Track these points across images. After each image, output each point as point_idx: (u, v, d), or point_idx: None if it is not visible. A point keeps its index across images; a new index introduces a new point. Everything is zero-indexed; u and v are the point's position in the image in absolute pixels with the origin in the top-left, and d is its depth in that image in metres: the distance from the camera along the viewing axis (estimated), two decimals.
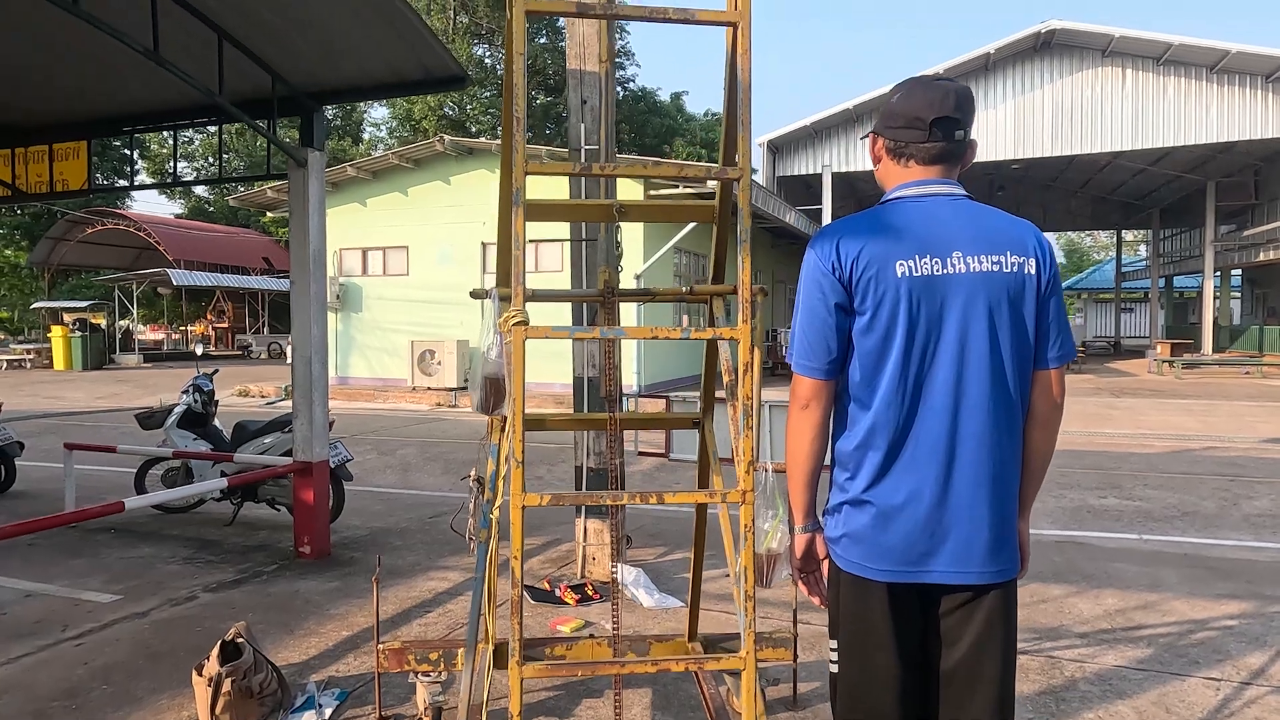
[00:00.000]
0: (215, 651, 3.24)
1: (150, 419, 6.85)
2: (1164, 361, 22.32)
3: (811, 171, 22.93)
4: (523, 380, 1.65)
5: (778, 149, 23.10)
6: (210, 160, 40.13)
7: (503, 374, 2.07)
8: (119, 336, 29.40)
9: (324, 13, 4.72)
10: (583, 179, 4.69)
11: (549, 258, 16.30)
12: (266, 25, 4.86)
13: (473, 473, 2.47)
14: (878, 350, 1.70)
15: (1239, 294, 35.47)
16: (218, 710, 3.13)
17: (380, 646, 3.23)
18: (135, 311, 30.20)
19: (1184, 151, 22.66)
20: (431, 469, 9.27)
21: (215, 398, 6.88)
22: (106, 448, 6.71)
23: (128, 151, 7.67)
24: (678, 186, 14.76)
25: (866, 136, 1.90)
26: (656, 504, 1.79)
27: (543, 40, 38.85)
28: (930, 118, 1.74)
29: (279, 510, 6.47)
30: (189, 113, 5.88)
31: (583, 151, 4.74)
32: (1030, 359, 1.73)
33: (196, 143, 40.58)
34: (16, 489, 7.71)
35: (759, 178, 22.40)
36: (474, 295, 2.30)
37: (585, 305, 4.69)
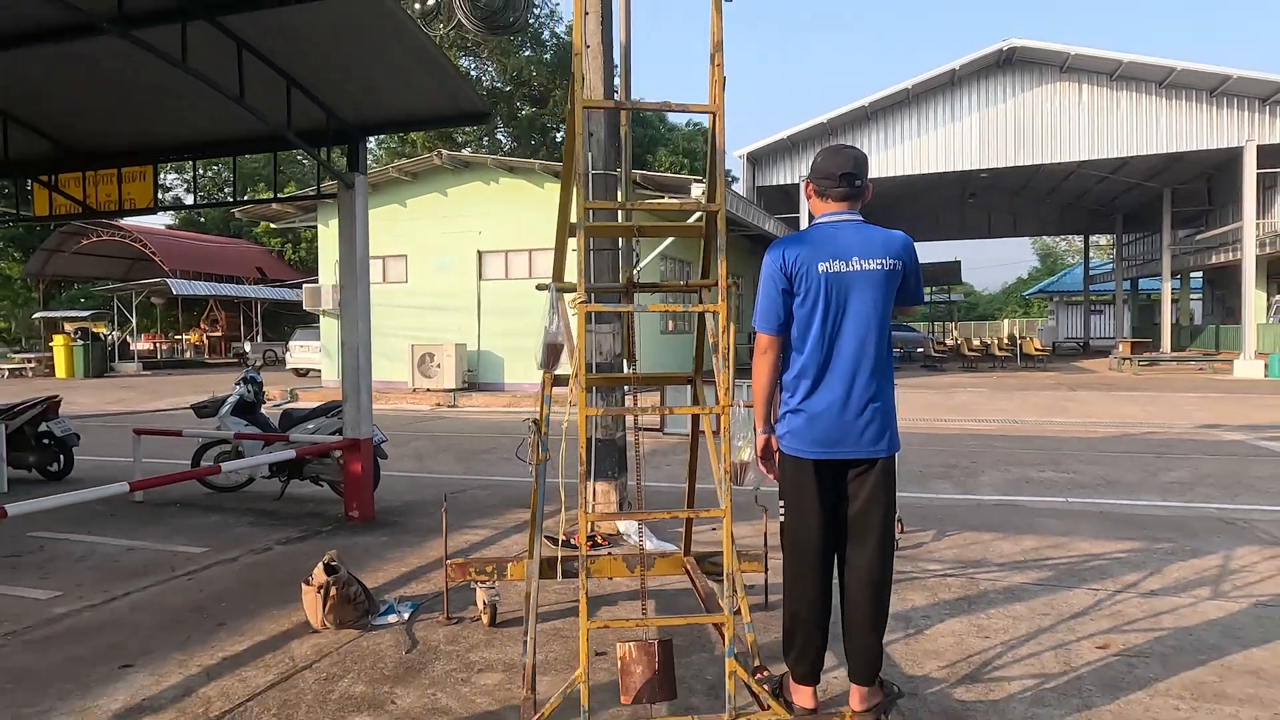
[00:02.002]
0: (319, 568, 4.19)
1: (205, 409, 7.76)
2: (1124, 359, 23.59)
3: (789, 181, 24.05)
4: (584, 339, 2.61)
5: (757, 160, 24.21)
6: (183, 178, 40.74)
7: (558, 341, 3.05)
8: (117, 345, 30.08)
9: (375, 63, 5.69)
10: (589, 198, 5.72)
11: (543, 265, 17.34)
12: (325, 72, 5.82)
13: (530, 418, 3.42)
14: (807, 318, 2.71)
15: (1200, 295, 36.95)
16: (325, 611, 4.08)
17: (448, 562, 4.20)
18: (134, 321, 30.85)
19: (1141, 161, 23.98)
20: (444, 458, 10.20)
21: (264, 389, 7.80)
22: (173, 432, 7.61)
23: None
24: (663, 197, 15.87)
25: (804, 181, 2.89)
26: (668, 413, 2.76)
27: (527, 53, 39.62)
28: (839, 173, 2.75)
29: (321, 486, 7.39)
30: (248, 142, 6.81)
31: (589, 177, 5.75)
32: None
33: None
34: (72, 477, 8.58)
35: (740, 188, 23.48)
36: (539, 288, 3.25)
37: (593, 299, 5.69)
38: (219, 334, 37.14)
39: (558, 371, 3.39)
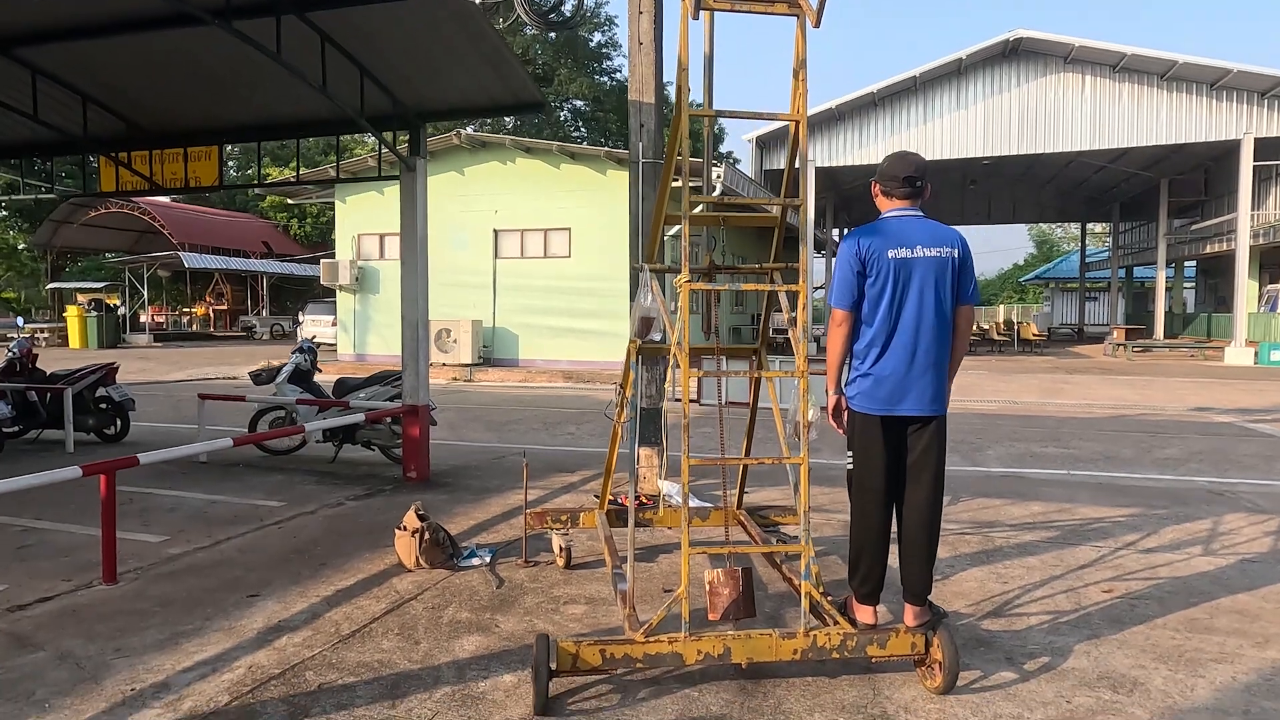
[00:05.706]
0: (411, 515, 4.69)
1: (261, 377, 8.23)
2: (1118, 345, 24.17)
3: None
4: (687, 317, 3.10)
5: (765, 144, 24.59)
6: None
7: (651, 314, 3.54)
8: (128, 317, 30.40)
9: (444, 56, 6.10)
10: (639, 184, 6.22)
11: (557, 244, 17.82)
12: (394, 63, 6.24)
13: (617, 383, 3.92)
14: (877, 297, 3.21)
15: (1193, 284, 37.55)
16: (420, 552, 4.59)
17: (527, 511, 4.70)
18: (146, 293, 31.16)
19: (1140, 151, 24.44)
20: (475, 427, 10.71)
21: (318, 357, 8.26)
22: (237, 398, 8.09)
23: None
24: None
25: (873, 181, 3.38)
26: (760, 375, 3.26)
27: (531, 32, 39.86)
28: (903, 175, 3.25)
29: (373, 450, 7.87)
30: (312, 125, 7.23)
31: (640, 165, 6.23)
32: (951, 303, 3.25)
33: None
34: (128, 440, 9.05)
35: (747, 169, 23.87)
36: (634, 269, 3.74)
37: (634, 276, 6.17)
38: (224, 307, 37.45)
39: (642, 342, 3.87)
